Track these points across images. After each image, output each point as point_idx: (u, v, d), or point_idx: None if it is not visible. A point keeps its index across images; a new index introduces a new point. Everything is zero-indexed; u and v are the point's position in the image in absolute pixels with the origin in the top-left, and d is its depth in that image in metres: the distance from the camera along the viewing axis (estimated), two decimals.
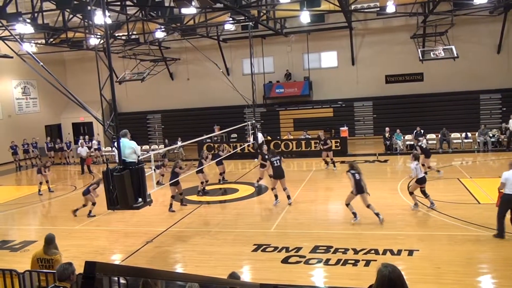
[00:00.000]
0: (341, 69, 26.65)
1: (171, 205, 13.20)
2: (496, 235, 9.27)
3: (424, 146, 16.32)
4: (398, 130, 21.74)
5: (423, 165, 14.31)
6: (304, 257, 8.95)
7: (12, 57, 19.34)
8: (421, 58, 21.75)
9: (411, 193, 11.95)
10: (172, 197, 13.24)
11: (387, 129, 21.75)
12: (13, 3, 14.89)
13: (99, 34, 19.60)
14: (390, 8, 18.52)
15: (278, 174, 13.23)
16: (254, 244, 9.84)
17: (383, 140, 22.08)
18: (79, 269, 5.78)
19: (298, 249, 9.37)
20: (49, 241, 6.60)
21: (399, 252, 8.88)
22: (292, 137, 23.27)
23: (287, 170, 19.97)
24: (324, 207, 13.40)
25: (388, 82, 25.95)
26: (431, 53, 21.66)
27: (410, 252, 8.83)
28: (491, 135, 20.84)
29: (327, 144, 18.65)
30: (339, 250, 9.17)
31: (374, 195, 13.62)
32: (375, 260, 8.42)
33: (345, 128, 24.91)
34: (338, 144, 21.75)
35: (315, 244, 9.56)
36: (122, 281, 5.86)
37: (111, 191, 8.97)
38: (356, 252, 9.00)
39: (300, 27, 24.28)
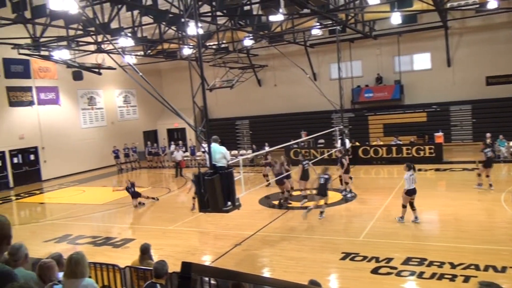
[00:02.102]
0: (435, 71, 25.20)
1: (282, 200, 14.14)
2: None
3: (489, 155, 14.82)
4: (501, 136, 20.00)
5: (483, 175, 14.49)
6: (396, 268, 8.56)
7: (115, 69, 21.02)
8: None
9: (403, 206, 11.63)
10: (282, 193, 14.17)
11: (488, 134, 20.06)
12: (116, 19, 16.20)
13: (191, 44, 20.62)
14: (492, 3, 17.17)
15: (306, 176, 14.46)
16: (342, 252, 9.62)
17: (484, 146, 20.42)
18: (172, 267, 6.09)
19: (389, 259, 8.98)
20: (144, 251, 6.97)
21: (504, 269, 8.12)
22: (382, 143, 22.47)
23: (377, 177, 19.42)
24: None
25: (489, 84, 23.97)
26: None
27: None
28: None
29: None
30: (434, 263, 8.62)
31: (474, 207, 12.71)
32: (476, 277, 7.80)
33: (440, 133, 23.48)
34: (432, 150, 20.58)
35: (407, 255, 9.11)
36: (212, 281, 6.05)
37: (202, 194, 9.35)
38: (453, 266, 8.40)
39: (390, 28, 23.41)
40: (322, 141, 25.26)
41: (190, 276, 2.00)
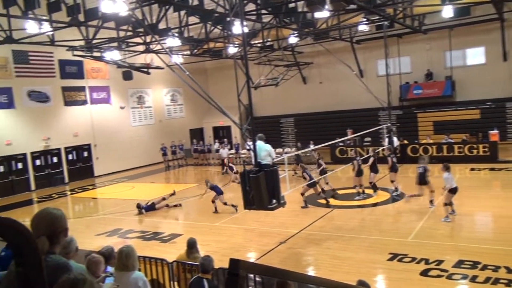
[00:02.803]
0: (490, 66, 24.01)
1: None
2: None
3: None
4: None
5: None
6: (447, 271, 8.24)
7: (163, 68, 21.54)
8: None
9: (445, 204, 11.61)
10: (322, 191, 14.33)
11: None
12: (164, 20, 16.60)
13: (237, 43, 20.78)
14: None
15: (361, 172, 14.82)
16: (390, 253, 9.38)
17: None
18: (217, 263, 6.16)
19: (440, 262, 8.67)
20: (191, 245, 7.07)
21: None
22: (432, 141, 21.71)
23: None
24: (469, 218, 12.14)
25: None
26: None
27: None
28: None
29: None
30: (489, 267, 8.23)
31: None
32: None
33: (495, 131, 22.37)
34: (486, 149, 19.67)
35: (459, 258, 8.75)
36: (257, 279, 6.07)
37: (248, 191, 9.41)
38: (510, 271, 7.98)
39: (441, 22, 22.52)
40: (368, 139, 24.76)
41: (238, 273, 2.00)
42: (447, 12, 18.28)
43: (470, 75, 24.46)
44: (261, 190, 9.14)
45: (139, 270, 5.87)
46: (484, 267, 8.23)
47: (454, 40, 23.95)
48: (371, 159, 14.97)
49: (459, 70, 24.61)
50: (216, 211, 14.32)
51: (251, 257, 10.16)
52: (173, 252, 9.08)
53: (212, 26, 18.69)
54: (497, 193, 15.03)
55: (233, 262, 2.06)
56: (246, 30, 16.55)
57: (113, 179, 23.96)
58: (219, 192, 14.51)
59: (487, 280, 7.74)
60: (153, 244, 11.68)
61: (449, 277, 8.03)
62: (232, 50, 22.35)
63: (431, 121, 25.30)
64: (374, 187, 14.95)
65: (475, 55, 24.64)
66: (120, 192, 19.98)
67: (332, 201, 14.67)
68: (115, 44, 19.32)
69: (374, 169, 14.96)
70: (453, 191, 11.59)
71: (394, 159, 15.33)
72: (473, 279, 7.85)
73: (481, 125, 23.38)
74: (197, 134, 32.28)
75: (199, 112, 31.95)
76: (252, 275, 5.45)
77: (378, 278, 8.50)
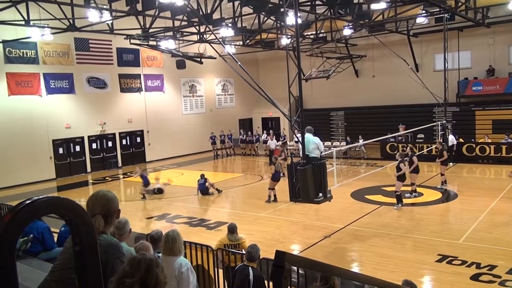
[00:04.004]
0: None
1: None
2: None
3: None
4: None
5: None
6: (500, 277, 7.87)
7: (215, 58, 21.80)
8: None
9: None
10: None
11: None
12: (218, 10, 16.78)
13: (289, 34, 20.66)
14: None
15: (417, 169, 14.14)
16: (439, 254, 9.07)
17: None
18: (262, 253, 6.22)
19: (492, 267, 8.28)
20: (232, 230, 7.45)
21: None
22: (490, 140, 20.68)
23: (483, 177, 17.95)
24: None
25: None
26: None
27: None
28: None
29: None
30: None
31: None
32: None
33: None
34: None
35: None
36: (300, 271, 6.07)
37: (294, 184, 9.40)
38: None
39: (506, 16, 21.24)
40: (421, 135, 23.94)
41: (283, 266, 2.01)
42: None
43: None
44: (307, 183, 9.11)
45: (185, 255, 6.05)
46: None
47: None
48: (414, 159, 14.02)
49: None
50: (268, 201, 14.46)
51: (295, 249, 10.17)
52: (218, 239, 9.25)
53: (265, 17, 18.69)
54: None
55: (279, 254, 2.07)
56: (299, 21, 16.42)
57: (163, 165, 24.69)
58: (146, 183, 15.85)
59: None
60: (199, 230, 11.95)
61: (502, 283, 7.67)
62: (284, 41, 22.23)
63: (490, 120, 24.03)
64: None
65: None
66: (169, 178, 20.54)
67: (379, 198, 14.37)
68: (170, 33, 19.77)
69: (415, 170, 14.12)
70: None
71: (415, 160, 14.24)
72: None
73: None
74: (246, 124, 32.52)
75: (249, 103, 32.16)
76: (295, 267, 5.49)
77: (425, 279, 8.26)
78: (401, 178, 13.13)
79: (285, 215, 13.12)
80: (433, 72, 25.35)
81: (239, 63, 10.47)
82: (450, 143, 18.65)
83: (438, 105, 20.90)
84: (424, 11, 19.26)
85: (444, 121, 18.73)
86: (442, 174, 15.40)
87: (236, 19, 18.50)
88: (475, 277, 7.94)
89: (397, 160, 13.42)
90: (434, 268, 8.58)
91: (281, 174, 15.15)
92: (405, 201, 13.50)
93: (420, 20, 21.10)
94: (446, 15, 18.32)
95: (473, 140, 22.21)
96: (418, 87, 20.52)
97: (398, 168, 13.14)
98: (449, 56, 20.86)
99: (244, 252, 6.53)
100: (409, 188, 14.24)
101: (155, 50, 22.58)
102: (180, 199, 15.94)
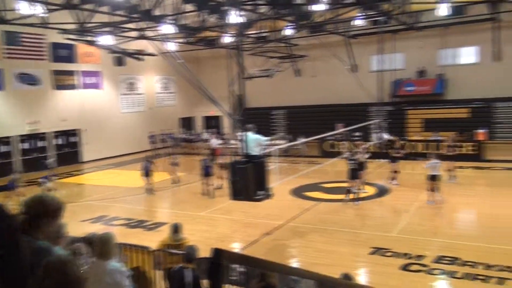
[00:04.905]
0: (483, 65, 24.17)
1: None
2: None
3: None
4: None
5: None
6: (427, 266, 8.41)
7: (156, 55, 21.37)
8: None
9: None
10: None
11: None
12: (159, 7, 16.45)
13: (232, 33, 20.69)
14: None
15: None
16: (372, 247, 9.52)
17: None
18: (202, 253, 6.21)
19: (420, 257, 8.83)
20: (176, 229, 7.24)
21: None
22: (421, 138, 21.91)
23: (414, 173, 18.98)
24: (452, 215, 12.38)
25: None
26: None
27: None
28: None
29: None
30: (468, 263, 8.41)
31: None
32: (511, 279, 7.55)
33: (483, 130, 22.62)
34: (473, 148, 19.94)
35: (439, 254, 8.91)
36: (241, 269, 6.13)
37: (235, 182, 9.45)
38: (487, 267, 8.16)
39: (436, 20, 22.58)
40: (358, 134, 24.88)
41: (220, 263, 2.04)
42: (442, 10, 18.34)
43: (461, 74, 24.62)
44: (248, 181, 9.20)
45: (123, 258, 5.90)
46: (464, 263, 8.40)
47: (448, 38, 24.07)
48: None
49: (451, 69, 24.76)
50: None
51: (236, 247, 10.24)
52: (158, 240, 9.11)
53: (208, 15, 18.58)
54: (481, 191, 15.24)
55: (216, 251, 2.10)
56: (241, 20, 16.51)
57: (100, 166, 23.86)
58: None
59: (465, 276, 7.91)
60: (138, 232, 11.70)
61: (429, 272, 8.19)
62: (226, 39, 22.25)
63: (421, 118, 25.49)
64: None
65: (469, 55, 24.80)
66: (107, 179, 19.92)
67: (318, 195, 14.80)
68: (109, 29, 19.13)
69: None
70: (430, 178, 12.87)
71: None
72: (452, 274, 8.01)
73: (470, 124, 23.61)
74: (187, 123, 32.18)
75: (190, 101, 31.79)
76: (236, 266, 5.52)
77: (360, 271, 8.63)
78: (357, 175, 13.65)
79: (225, 213, 13.15)
80: (369, 73, 26.40)
81: (181, 60, 10.37)
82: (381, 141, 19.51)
83: (374, 105, 21.81)
84: (361, 14, 20.05)
85: (380, 120, 19.59)
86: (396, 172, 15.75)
87: (178, 16, 18.25)
88: (404, 267, 8.42)
89: (350, 159, 13.87)
90: (368, 260, 9.00)
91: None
92: (341, 197, 14.00)
93: (358, 22, 21.93)
94: (382, 18, 19.15)
95: (405, 137, 23.38)
96: (355, 87, 21.37)
97: (351, 167, 13.52)
98: (385, 57, 21.85)
99: None
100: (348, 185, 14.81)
101: (92, 46, 21.74)
102: (118, 200, 15.51)
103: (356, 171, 13.57)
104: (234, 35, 20.34)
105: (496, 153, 20.65)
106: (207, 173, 15.23)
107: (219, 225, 12.08)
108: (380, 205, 13.75)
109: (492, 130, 23.61)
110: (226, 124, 29.91)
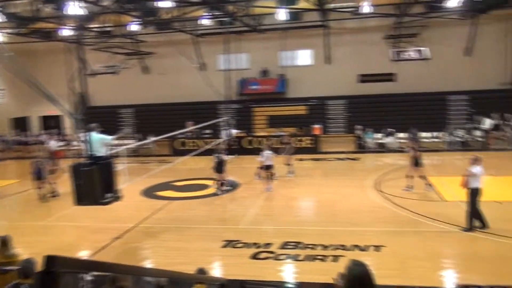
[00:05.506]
0: (316, 67, 26.85)
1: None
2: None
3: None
4: (368, 129, 22.18)
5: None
6: (274, 253, 9.03)
7: None
8: (392, 58, 22.17)
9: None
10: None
11: (358, 127, 22.10)
12: None
13: (71, 25, 19.15)
14: (366, 8, 18.76)
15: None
16: (224, 240, 9.85)
17: (356, 138, 22.48)
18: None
19: (268, 245, 9.44)
20: (4, 243, 6.37)
21: (367, 247, 9.05)
22: (266, 134, 23.36)
23: (253, 167, 20.16)
24: (295, 203, 13.52)
25: (361, 81, 26.32)
26: (403, 54, 22.09)
27: (377, 248, 9.02)
28: (461, 134, 21.56)
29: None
30: (308, 246, 9.28)
31: (343, 192, 13.92)
32: (344, 256, 8.56)
33: (318, 126, 25.14)
34: (311, 141, 22.04)
35: (284, 240, 9.65)
36: (88, 277, 5.76)
37: (79, 186, 8.82)
38: (324, 248, 9.13)
39: (276, 24, 24.27)
40: (208, 131, 25.39)
41: (55, 271, 1.85)
42: (281, 15, 19.79)
43: (299, 74, 26.97)
44: (94, 184, 8.68)
45: None
46: (305, 246, 9.26)
47: (287, 41, 26.03)
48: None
49: (291, 69, 26.92)
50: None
51: (83, 255, 9.58)
52: None
53: (43, 4, 16.90)
54: (317, 180, 16.93)
55: (49, 259, 1.91)
56: (82, 12, 15.43)
57: None
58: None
59: (306, 257, 8.72)
60: None
61: (276, 258, 8.82)
62: (65, 32, 20.53)
63: (266, 115, 27.20)
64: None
65: (304, 57, 27.26)
66: None
67: (169, 193, 14.75)
68: None
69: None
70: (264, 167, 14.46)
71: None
72: (296, 257, 8.76)
73: (308, 120, 26.05)
74: (21, 123, 28.84)
75: (24, 99, 28.49)
76: (83, 274, 5.12)
77: (213, 265, 8.85)
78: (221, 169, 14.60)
79: (70, 220, 12.20)
80: (217, 71, 27.10)
81: (11, 53, 9.24)
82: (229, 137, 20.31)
83: (222, 102, 22.48)
84: (207, 14, 20.46)
85: (227, 117, 20.29)
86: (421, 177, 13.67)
87: (6, 3, 16.20)
88: (254, 256, 8.92)
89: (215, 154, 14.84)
90: (220, 253, 9.28)
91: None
92: (194, 194, 14.16)
93: (204, 21, 22.34)
94: (227, 19, 19.82)
95: (252, 133, 24.69)
96: (204, 85, 21.68)
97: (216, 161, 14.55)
98: (231, 57, 22.69)
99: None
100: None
101: None
102: None
103: (221, 165, 14.54)
104: (74, 28, 18.88)
105: (329, 145, 23.18)
106: (39, 176, 14.03)
107: (63, 233, 11.15)
108: (230, 199, 14.26)
109: (326, 125, 26.42)
110: (68, 124, 27.67)
